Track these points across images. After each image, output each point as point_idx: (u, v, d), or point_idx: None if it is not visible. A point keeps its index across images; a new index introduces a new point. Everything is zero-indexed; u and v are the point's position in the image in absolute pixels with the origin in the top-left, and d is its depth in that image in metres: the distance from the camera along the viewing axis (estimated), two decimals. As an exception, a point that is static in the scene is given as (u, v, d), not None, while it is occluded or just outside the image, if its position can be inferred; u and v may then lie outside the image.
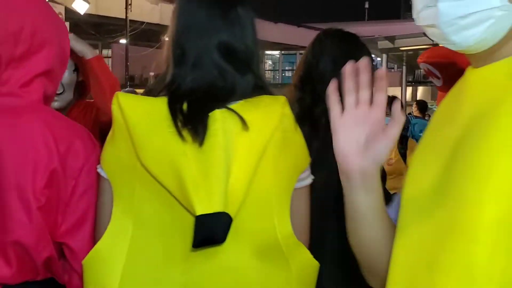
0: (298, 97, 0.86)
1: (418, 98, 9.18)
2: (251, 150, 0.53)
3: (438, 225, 0.32)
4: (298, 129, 0.60)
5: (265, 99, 0.57)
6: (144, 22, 12.28)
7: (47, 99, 0.64)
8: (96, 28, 12.63)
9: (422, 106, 4.75)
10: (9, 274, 0.55)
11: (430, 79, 1.24)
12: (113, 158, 0.55)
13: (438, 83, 1.05)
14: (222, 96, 0.56)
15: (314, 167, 0.64)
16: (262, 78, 0.66)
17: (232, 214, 0.49)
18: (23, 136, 0.57)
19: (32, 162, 0.56)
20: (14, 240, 0.55)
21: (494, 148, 0.28)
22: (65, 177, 0.57)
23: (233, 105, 0.55)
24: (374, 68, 1.08)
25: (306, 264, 0.59)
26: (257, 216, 0.56)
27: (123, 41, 12.24)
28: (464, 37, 0.33)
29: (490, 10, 0.31)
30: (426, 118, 4.49)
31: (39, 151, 0.56)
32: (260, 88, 0.60)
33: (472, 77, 0.37)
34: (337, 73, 0.57)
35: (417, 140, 2.57)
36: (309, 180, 0.62)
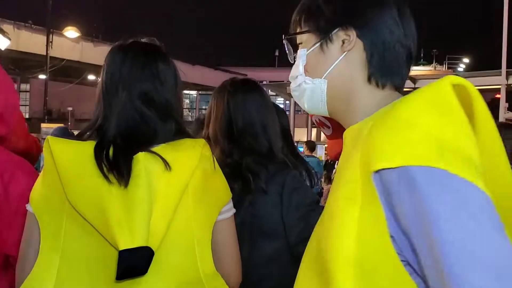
0: (223, 149, 0.88)
1: (322, 139, 10.03)
2: (172, 189, 0.57)
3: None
4: (218, 167, 0.65)
5: (186, 142, 0.62)
6: (64, 59, 12.63)
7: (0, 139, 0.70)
8: (16, 63, 12.68)
9: (311, 146, 5.61)
10: None
11: (320, 128, 1.29)
12: (42, 197, 0.57)
13: (328, 132, 1.10)
14: (144, 140, 0.60)
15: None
16: (183, 124, 0.69)
17: (154, 248, 0.51)
18: None
19: None
20: None
21: (337, 197, 0.37)
22: (7, 201, 0.64)
23: (155, 148, 0.58)
24: (283, 110, 1.36)
25: None
26: (179, 251, 0.58)
27: (42, 76, 12.32)
28: (302, 104, 0.46)
29: (301, 84, 0.44)
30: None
31: None
32: (181, 133, 0.64)
33: (345, 135, 0.44)
34: (254, 125, 0.84)
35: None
36: (231, 212, 0.66)
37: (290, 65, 0.48)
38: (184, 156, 0.60)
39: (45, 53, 10.46)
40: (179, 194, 0.57)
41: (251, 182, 0.82)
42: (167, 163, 0.56)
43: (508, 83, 9.54)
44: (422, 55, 20.12)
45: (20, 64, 12.99)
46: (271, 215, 0.85)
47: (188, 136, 0.65)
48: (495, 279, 0.26)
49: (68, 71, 13.81)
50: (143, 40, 0.69)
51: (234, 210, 0.69)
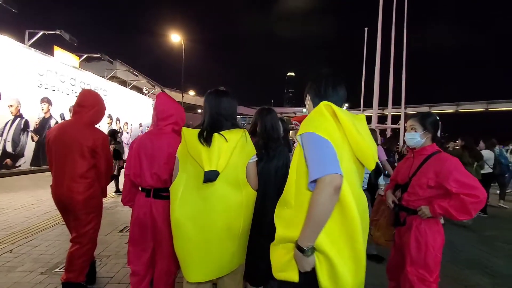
0: (259, 137, 1.80)
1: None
2: (228, 148, 1.37)
3: None
4: (249, 140, 1.46)
5: (235, 130, 1.44)
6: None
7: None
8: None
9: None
10: None
11: (295, 126, 2.75)
12: (181, 151, 1.43)
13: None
14: (218, 129, 1.41)
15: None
16: (236, 123, 1.52)
17: (219, 170, 1.33)
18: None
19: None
20: None
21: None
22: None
23: (222, 132, 1.40)
24: (284, 121, 2.42)
25: (250, 193, 1.44)
26: (231, 172, 1.38)
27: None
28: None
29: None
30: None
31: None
32: (235, 126, 1.48)
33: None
34: (272, 127, 1.85)
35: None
36: (254, 160, 1.48)
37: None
38: (234, 135, 1.40)
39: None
40: (231, 150, 1.37)
41: (270, 150, 1.76)
42: (225, 138, 1.38)
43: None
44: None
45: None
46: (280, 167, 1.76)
47: (238, 127, 1.49)
48: (317, 164, 1.00)
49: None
50: (220, 88, 1.56)
51: (256, 159, 1.50)
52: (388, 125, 14.92)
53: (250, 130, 1.87)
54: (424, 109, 24.81)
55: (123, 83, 14.85)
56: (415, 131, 1.70)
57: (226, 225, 1.37)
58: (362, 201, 1.10)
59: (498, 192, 5.99)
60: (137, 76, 17.07)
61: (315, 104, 1.17)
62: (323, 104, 1.10)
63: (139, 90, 16.37)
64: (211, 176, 1.31)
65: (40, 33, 7.69)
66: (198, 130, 1.40)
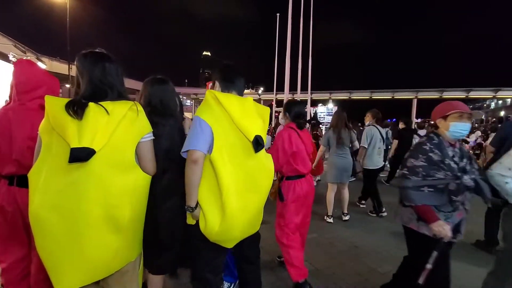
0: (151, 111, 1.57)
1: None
2: (109, 123, 1.14)
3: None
4: (142, 115, 1.27)
5: (122, 102, 1.24)
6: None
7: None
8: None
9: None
10: None
11: None
12: (44, 126, 1.19)
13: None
14: (97, 99, 1.18)
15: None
16: (125, 94, 1.31)
17: (96, 149, 1.10)
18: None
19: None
20: None
21: None
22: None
23: (102, 102, 1.17)
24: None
25: (141, 177, 1.30)
26: (115, 152, 1.18)
27: (67, 85, 17.25)
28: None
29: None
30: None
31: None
32: (122, 97, 1.27)
33: None
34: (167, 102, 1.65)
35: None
36: (149, 138, 1.31)
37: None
38: (119, 107, 1.21)
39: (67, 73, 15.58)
40: (114, 125, 1.17)
41: (155, 127, 1.49)
42: (107, 110, 1.16)
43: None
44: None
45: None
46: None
47: (126, 99, 1.28)
48: (187, 141, 1.36)
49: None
50: (97, 50, 1.28)
51: (152, 137, 1.35)
52: (297, 108, 16.18)
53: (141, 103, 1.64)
54: (326, 95, 28.33)
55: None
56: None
57: (106, 215, 1.16)
58: (247, 166, 1.42)
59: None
60: None
61: (222, 88, 1.48)
62: (208, 92, 1.38)
63: (4, 57, 12.54)
64: (80, 155, 1.07)
65: None
66: (67, 100, 1.15)
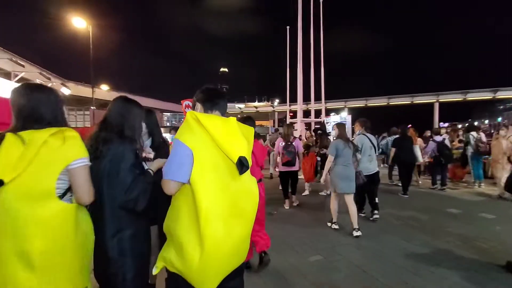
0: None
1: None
2: (25, 153, 1.12)
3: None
4: (72, 141, 1.23)
5: (47, 129, 1.19)
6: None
7: None
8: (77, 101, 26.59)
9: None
10: None
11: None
12: None
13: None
14: (27, 128, 1.19)
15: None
16: (58, 120, 1.29)
17: (6, 181, 1.10)
18: None
19: None
20: None
21: None
22: None
23: (24, 132, 1.17)
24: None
25: (58, 208, 1.19)
26: (30, 181, 1.14)
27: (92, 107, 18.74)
28: None
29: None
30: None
31: None
32: (53, 124, 1.24)
33: None
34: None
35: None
36: (79, 164, 1.24)
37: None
38: (39, 135, 1.18)
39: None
40: (31, 155, 1.13)
41: (99, 146, 1.44)
42: (23, 140, 1.15)
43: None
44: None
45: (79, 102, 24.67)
46: None
47: (59, 125, 1.25)
48: (165, 167, 1.27)
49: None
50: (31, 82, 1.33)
51: (83, 163, 1.27)
52: (312, 118, 15.95)
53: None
54: (340, 103, 27.83)
55: (7, 75, 11.91)
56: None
57: (16, 249, 1.10)
58: (232, 189, 1.28)
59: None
60: (22, 66, 13.80)
61: (204, 109, 1.42)
62: (189, 113, 1.29)
63: (32, 83, 13.44)
64: None
65: None
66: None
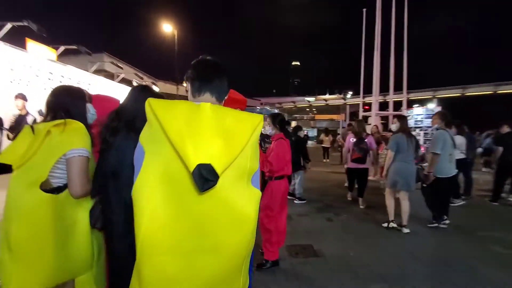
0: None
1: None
2: (32, 142, 1.24)
3: None
4: (72, 130, 1.28)
5: (52, 122, 1.27)
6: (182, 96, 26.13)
7: None
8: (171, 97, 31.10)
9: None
10: None
11: None
12: None
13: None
14: (51, 120, 1.33)
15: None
16: (73, 111, 1.37)
17: (14, 166, 1.24)
18: None
19: None
20: None
21: None
22: None
23: (37, 124, 1.30)
24: None
25: (39, 197, 1.24)
26: (33, 169, 1.25)
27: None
28: None
29: None
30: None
31: None
32: (68, 116, 1.34)
33: None
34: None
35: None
36: (73, 155, 1.26)
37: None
38: (45, 125, 1.25)
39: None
40: (37, 144, 1.22)
41: (105, 140, 1.33)
42: (33, 130, 1.25)
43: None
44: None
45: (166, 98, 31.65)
46: None
47: (71, 118, 1.32)
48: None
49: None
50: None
51: (78, 154, 1.26)
52: (390, 111, 14.29)
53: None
54: (427, 93, 24.02)
55: (111, 76, 14.42)
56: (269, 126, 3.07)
57: (5, 230, 1.22)
58: (197, 211, 0.81)
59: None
60: (121, 68, 16.64)
61: (192, 92, 1.02)
62: (147, 101, 0.86)
63: (130, 83, 16.08)
64: (3, 168, 1.21)
65: (9, 26, 7.20)
66: None
